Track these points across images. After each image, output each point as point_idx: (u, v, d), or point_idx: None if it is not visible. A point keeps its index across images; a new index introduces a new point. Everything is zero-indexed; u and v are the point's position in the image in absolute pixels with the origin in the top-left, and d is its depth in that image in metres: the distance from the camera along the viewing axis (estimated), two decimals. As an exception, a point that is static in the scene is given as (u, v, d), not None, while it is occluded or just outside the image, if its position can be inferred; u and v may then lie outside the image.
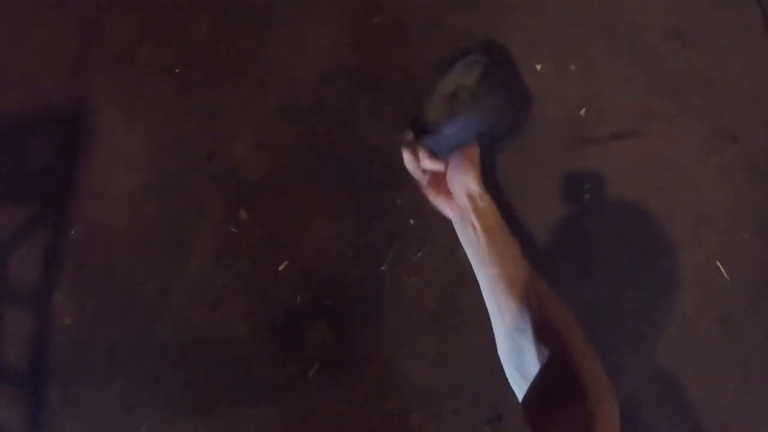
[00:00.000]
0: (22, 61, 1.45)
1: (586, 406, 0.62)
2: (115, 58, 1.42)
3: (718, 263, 1.35)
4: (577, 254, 1.38)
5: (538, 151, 1.37)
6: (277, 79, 1.40)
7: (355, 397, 1.35)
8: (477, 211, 0.81)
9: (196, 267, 1.38)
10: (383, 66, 1.38)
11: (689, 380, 1.34)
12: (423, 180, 0.90)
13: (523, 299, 0.73)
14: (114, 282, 1.38)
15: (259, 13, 1.42)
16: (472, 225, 0.81)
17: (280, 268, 1.37)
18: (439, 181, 0.88)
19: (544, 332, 0.71)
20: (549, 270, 0.81)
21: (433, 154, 0.93)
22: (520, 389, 0.73)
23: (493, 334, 0.81)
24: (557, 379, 0.68)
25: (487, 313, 0.83)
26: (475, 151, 0.89)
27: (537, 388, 0.69)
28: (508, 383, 0.77)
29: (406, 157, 0.91)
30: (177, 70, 1.40)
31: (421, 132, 0.98)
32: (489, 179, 0.89)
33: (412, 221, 1.36)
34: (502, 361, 0.77)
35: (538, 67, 1.34)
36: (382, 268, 1.36)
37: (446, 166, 0.88)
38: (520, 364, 0.72)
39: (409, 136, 0.95)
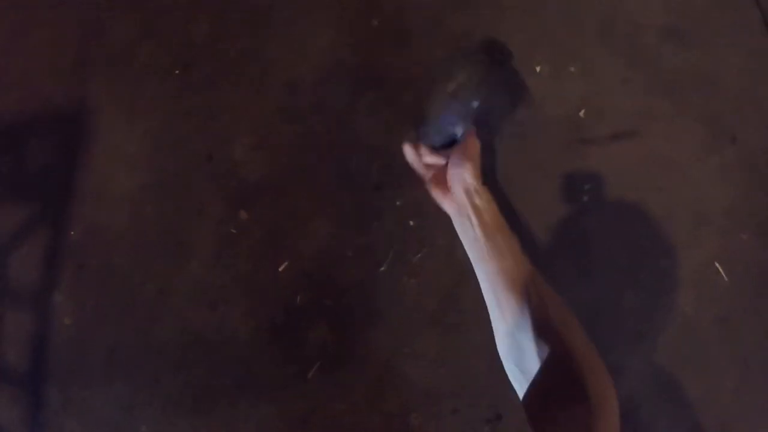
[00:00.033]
0: (22, 61, 1.45)
1: (586, 406, 0.62)
2: (115, 59, 1.42)
3: (717, 264, 1.35)
4: (576, 254, 1.38)
5: (537, 152, 1.37)
6: (277, 79, 1.40)
7: (355, 397, 1.35)
8: (474, 206, 0.81)
9: (196, 267, 1.38)
10: (383, 66, 1.39)
11: (689, 380, 1.34)
12: (426, 175, 0.91)
13: (522, 296, 0.73)
14: (114, 282, 1.38)
15: (259, 14, 1.42)
16: (470, 220, 0.81)
17: (280, 269, 1.37)
18: (440, 176, 0.88)
19: (544, 329, 0.71)
20: (548, 270, 0.81)
21: (434, 149, 0.94)
22: (520, 386, 0.73)
23: (492, 334, 0.81)
24: (558, 378, 0.68)
25: (487, 313, 0.83)
26: (474, 146, 0.90)
27: (537, 386, 0.69)
28: (508, 383, 0.77)
29: (408, 152, 0.92)
30: (177, 72, 1.40)
31: (422, 127, 0.99)
32: (489, 178, 0.89)
33: (411, 222, 1.36)
34: (502, 358, 0.77)
35: (538, 68, 1.34)
36: (382, 268, 1.36)
37: (447, 162, 0.89)
38: (519, 361, 0.72)
39: (412, 132, 0.96)
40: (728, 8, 1.40)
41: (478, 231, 0.80)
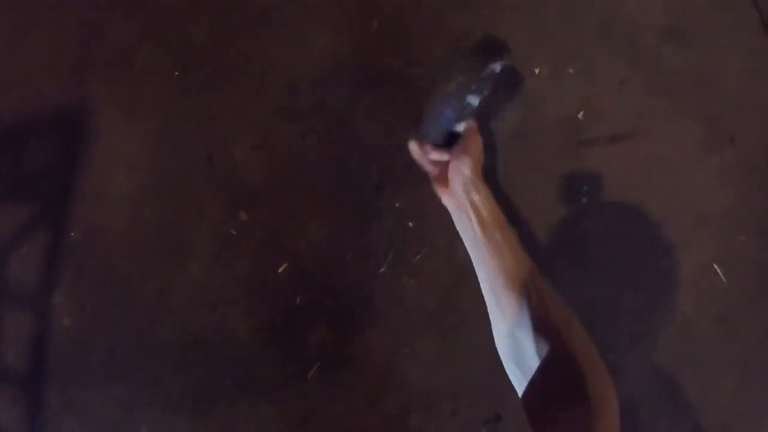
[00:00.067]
0: (22, 62, 1.45)
1: (586, 406, 0.63)
2: (115, 59, 1.42)
3: (715, 266, 1.35)
4: (575, 254, 1.38)
5: (536, 152, 1.37)
6: (277, 79, 1.40)
7: (354, 397, 1.35)
8: (472, 201, 0.82)
9: (196, 268, 1.38)
10: (383, 66, 1.39)
11: (688, 380, 1.35)
12: (432, 172, 0.91)
13: (522, 294, 0.74)
14: (114, 283, 1.38)
15: (258, 14, 1.42)
16: (468, 216, 0.81)
17: (279, 270, 1.37)
18: (444, 172, 0.89)
19: (543, 328, 0.71)
20: (548, 270, 0.82)
21: (438, 146, 0.95)
22: (519, 385, 0.73)
23: (492, 334, 0.81)
24: (558, 378, 0.68)
25: (487, 314, 0.83)
26: (474, 143, 0.90)
27: (537, 386, 0.69)
28: (508, 383, 0.77)
29: (414, 149, 0.93)
30: (176, 73, 1.40)
31: (423, 125, 1.00)
32: (489, 177, 0.90)
33: (410, 224, 1.36)
34: (502, 358, 0.77)
35: (537, 70, 1.35)
36: (382, 269, 1.36)
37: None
38: (519, 359, 0.73)
39: (416, 130, 0.96)
40: (728, 8, 1.40)
41: (476, 227, 0.80)
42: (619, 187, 1.37)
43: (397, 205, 1.36)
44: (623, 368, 1.34)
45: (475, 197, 0.82)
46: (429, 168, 0.92)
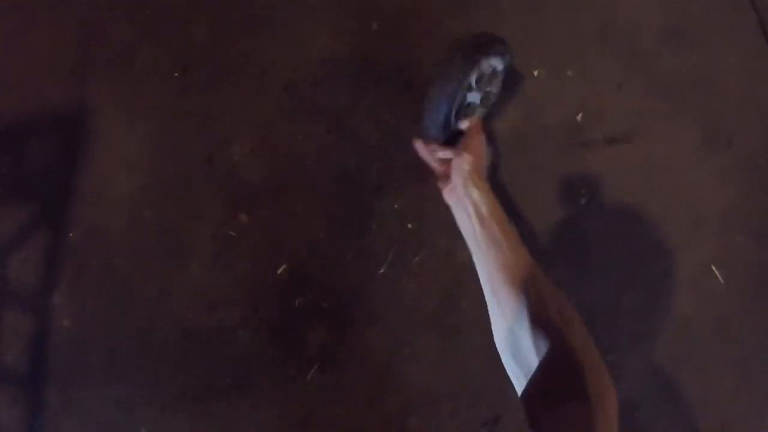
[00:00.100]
0: (22, 62, 1.45)
1: (585, 404, 0.63)
2: (115, 59, 1.42)
3: (713, 267, 1.36)
4: (575, 254, 1.38)
5: (536, 154, 1.37)
6: (277, 80, 1.40)
7: (354, 398, 1.35)
8: (471, 197, 0.82)
9: (196, 269, 1.38)
10: (383, 67, 1.39)
11: (688, 380, 1.35)
12: (439, 170, 0.92)
13: (520, 289, 0.74)
14: (113, 283, 1.38)
15: (258, 15, 1.42)
16: (467, 211, 0.82)
17: (279, 271, 1.37)
18: (447, 170, 0.90)
19: (541, 324, 0.71)
20: (548, 270, 0.82)
21: (441, 143, 0.96)
22: (516, 380, 0.73)
23: (491, 335, 0.81)
24: (557, 376, 0.68)
25: (487, 315, 0.83)
26: (475, 140, 0.91)
27: (536, 384, 0.70)
28: (508, 384, 0.77)
29: (421, 148, 0.95)
30: (176, 74, 1.40)
31: (424, 124, 1.01)
32: (491, 177, 0.90)
33: (410, 225, 1.36)
34: (500, 353, 0.77)
35: (536, 72, 1.35)
36: (382, 270, 1.36)
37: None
38: (517, 354, 0.73)
39: (419, 130, 0.97)
40: (726, 9, 1.40)
41: (475, 222, 0.81)
42: (618, 187, 1.37)
43: (396, 206, 1.36)
44: (623, 369, 1.34)
45: (474, 193, 0.83)
46: (435, 166, 0.93)
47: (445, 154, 0.91)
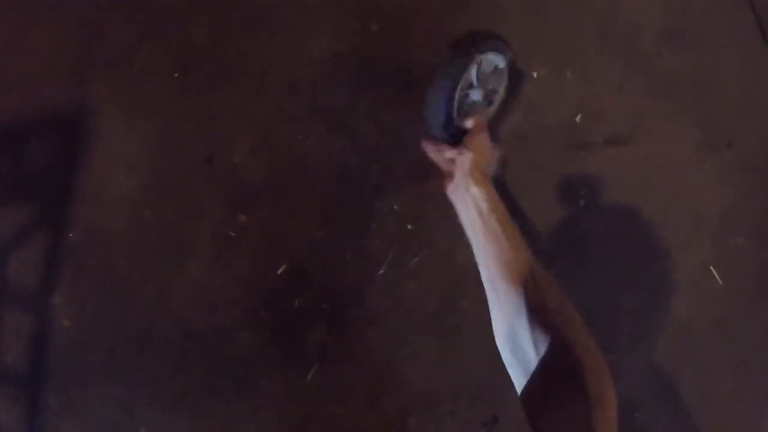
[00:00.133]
0: (22, 62, 1.45)
1: (585, 403, 0.63)
2: (115, 59, 1.42)
3: (712, 269, 1.36)
4: (576, 254, 1.38)
5: (536, 154, 1.37)
6: (277, 80, 1.40)
7: (354, 398, 1.35)
8: (473, 194, 0.83)
9: (196, 269, 1.38)
10: (383, 67, 1.39)
11: (688, 381, 1.35)
12: (448, 170, 0.93)
13: (519, 283, 0.74)
14: (113, 283, 1.38)
15: (258, 15, 1.42)
16: (467, 208, 0.83)
17: (279, 271, 1.37)
18: (451, 167, 0.91)
19: (540, 320, 0.71)
20: (548, 271, 0.82)
21: (444, 141, 0.97)
22: (515, 374, 0.74)
23: (491, 336, 0.82)
24: (557, 376, 0.68)
25: (486, 315, 0.83)
26: (478, 137, 0.92)
27: (536, 384, 0.70)
28: (507, 384, 0.77)
29: (430, 149, 0.96)
30: (176, 74, 1.40)
31: (426, 124, 1.01)
32: (500, 176, 0.90)
33: (410, 225, 1.36)
34: (499, 348, 0.77)
35: (535, 74, 1.35)
36: (381, 270, 1.36)
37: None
38: (515, 349, 0.73)
39: (420, 130, 0.98)
40: (725, 10, 1.40)
41: (475, 218, 0.82)
42: (618, 187, 1.38)
43: (396, 206, 1.36)
44: (622, 369, 1.34)
45: (475, 190, 0.84)
46: (444, 166, 0.94)
47: (451, 153, 0.92)
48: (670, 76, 1.39)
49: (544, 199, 1.37)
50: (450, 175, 0.90)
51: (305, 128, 1.38)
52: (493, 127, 1.06)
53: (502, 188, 1.22)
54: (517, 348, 0.73)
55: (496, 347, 0.79)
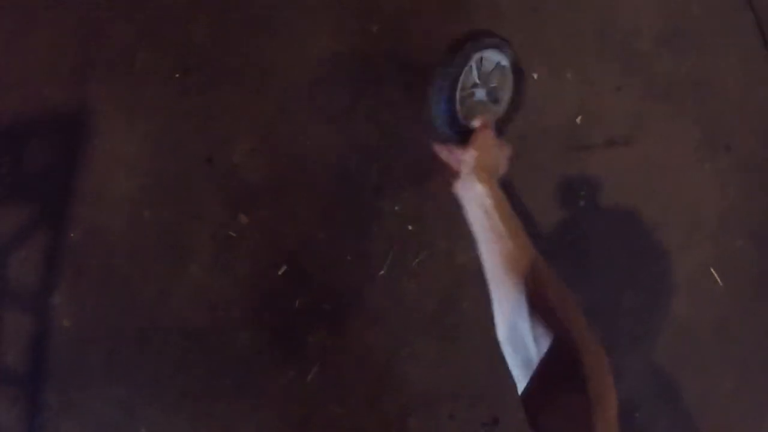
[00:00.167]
0: (22, 62, 1.45)
1: (585, 405, 0.63)
2: (115, 60, 1.42)
3: (712, 270, 1.36)
4: (576, 254, 1.38)
5: (536, 155, 1.37)
6: (277, 80, 1.40)
7: (354, 398, 1.35)
8: (477, 191, 0.84)
9: (196, 269, 1.38)
10: (383, 67, 1.39)
11: (688, 381, 1.35)
12: (459, 168, 0.94)
13: (520, 278, 0.75)
14: (113, 283, 1.38)
15: (258, 16, 1.42)
16: (471, 204, 0.84)
17: (279, 272, 1.37)
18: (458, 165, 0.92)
19: (541, 315, 0.72)
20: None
21: (449, 139, 0.98)
22: (515, 369, 0.74)
23: (491, 336, 0.82)
24: (558, 376, 0.68)
25: (486, 315, 0.83)
26: (482, 136, 0.93)
27: (537, 383, 0.70)
28: (507, 385, 0.77)
29: (441, 151, 0.97)
30: (177, 75, 1.40)
31: (427, 124, 1.01)
32: (507, 175, 0.91)
33: (410, 226, 1.36)
34: (500, 343, 0.77)
35: (535, 75, 1.35)
36: (382, 271, 1.36)
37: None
38: (516, 345, 0.73)
39: (421, 130, 0.98)
40: (724, 12, 1.40)
41: (479, 214, 0.83)
42: (618, 188, 1.38)
43: (396, 207, 1.36)
44: (623, 369, 1.34)
45: (479, 187, 0.85)
46: (455, 166, 0.95)
47: (457, 152, 0.93)
48: (670, 77, 1.39)
49: (544, 200, 1.37)
50: (458, 174, 0.92)
51: (305, 128, 1.38)
52: (503, 126, 1.06)
53: (507, 187, 1.22)
54: (518, 342, 0.73)
55: (497, 348, 0.79)
